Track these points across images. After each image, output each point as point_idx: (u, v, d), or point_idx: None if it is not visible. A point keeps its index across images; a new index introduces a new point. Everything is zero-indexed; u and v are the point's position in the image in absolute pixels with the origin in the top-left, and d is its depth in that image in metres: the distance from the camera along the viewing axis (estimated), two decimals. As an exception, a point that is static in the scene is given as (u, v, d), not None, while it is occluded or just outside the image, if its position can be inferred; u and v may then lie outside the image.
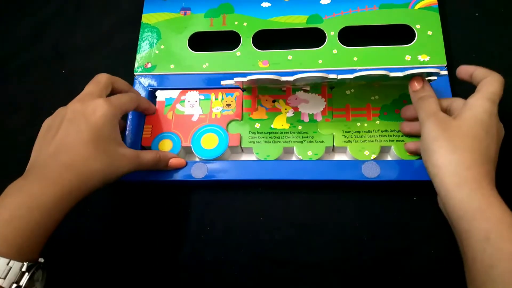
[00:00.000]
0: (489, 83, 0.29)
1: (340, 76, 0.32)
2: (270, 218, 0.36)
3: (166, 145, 0.37)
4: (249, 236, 0.36)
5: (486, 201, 0.25)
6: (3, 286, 0.24)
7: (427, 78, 0.33)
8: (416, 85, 0.32)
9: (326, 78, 0.32)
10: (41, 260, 0.26)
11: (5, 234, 0.24)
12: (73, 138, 0.29)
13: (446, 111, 0.32)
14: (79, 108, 0.30)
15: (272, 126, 0.37)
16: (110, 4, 0.48)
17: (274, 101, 0.38)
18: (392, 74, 0.31)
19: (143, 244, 0.36)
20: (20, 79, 0.45)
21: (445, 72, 0.32)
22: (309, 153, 0.36)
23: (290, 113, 0.37)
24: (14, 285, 0.24)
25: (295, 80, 0.32)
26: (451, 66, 0.38)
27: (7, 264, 0.24)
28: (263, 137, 0.37)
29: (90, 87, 0.32)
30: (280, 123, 0.37)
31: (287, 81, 0.33)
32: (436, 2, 0.40)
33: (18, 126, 0.43)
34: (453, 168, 0.27)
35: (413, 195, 0.35)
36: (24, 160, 0.30)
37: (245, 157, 0.38)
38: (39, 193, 0.26)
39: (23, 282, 0.24)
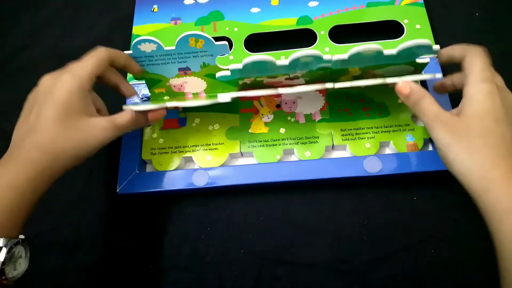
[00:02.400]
0: (471, 63, 0.28)
1: (335, 57, 0.31)
2: (270, 218, 0.36)
3: None
4: (249, 236, 0.35)
5: None
6: None
7: (419, 61, 0.33)
8: (403, 91, 0.30)
9: (321, 57, 0.31)
10: (22, 236, 0.26)
11: None
12: (43, 118, 0.29)
13: (453, 86, 0.32)
14: (48, 84, 0.30)
15: (250, 131, 0.37)
16: (109, 4, 0.48)
17: (278, 106, 0.38)
18: (386, 52, 0.31)
19: (142, 244, 0.36)
20: (20, 79, 0.45)
21: (437, 47, 0.32)
22: (308, 154, 0.36)
23: (266, 119, 0.37)
24: None
25: (290, 63, 0.32)
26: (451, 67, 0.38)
27: None
28: (262, 145, 0.37)
29: (78, 63, 0.31)
30: (258, 127, 0.37)
31: (282, 65, 0.32)
32: (421, -3, 0.41)
33: None
34: (476, 173, 0.26)
35: (413, 195, 0.36)
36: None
37: (245, 161, 0.38)
38: (11, 173, 0.27)
39: (1, 256, 0.24)
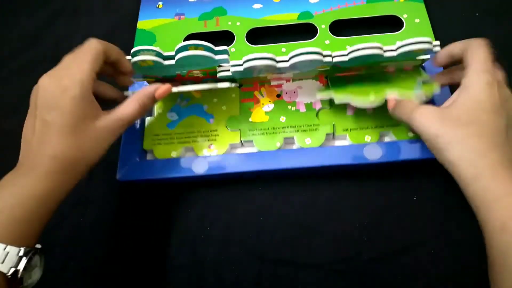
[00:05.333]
0: (473, 54, 0.28)
1: (336, 59, 0.32)
2: (270, 218, 0.36)
3: None
4: (249, 236, 0.35)
5: (503, 190, 0.24)
6: (1, 270, 0.24)
7: (419, 58, 0.34)
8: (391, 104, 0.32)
9: (321, 61, 0.32)
10: (38, 246, 0.27)
11: (0, 221, 0.25)
12: (51, 129, 0.28)
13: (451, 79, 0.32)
14: (49, 90, 0.28)
15: (250, 120, 0.37)
16: (109, 4, 0.49)
17: (278, 96, 0.38)
18: (387, 54, 0.32)
19: (143, 243, 0.36)
20: (20, 79, 0.45)
21: (437, 45, 0.32)
22: (309, 141, 0.36)
23: (266, 108, 0.38)
24: (13, 269, 0.24)
25: (291, 66, 0.33)
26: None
27: (4, 249, 0.24)
28: (262, 133, 0.37)
29: (75, 61, 0.29)
30: (258, 116, 0.37)
31: (283, 67, 0.33)
32: (421, -6, 0.42)
33: (18, 126, 0.42)
34: (468, 160, 0.26)
35: (413, 195, 0.35)
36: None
37: (245, 151, 0.38)
38: (31, 184, 0.27)
39: (21, 266, 0.25)
